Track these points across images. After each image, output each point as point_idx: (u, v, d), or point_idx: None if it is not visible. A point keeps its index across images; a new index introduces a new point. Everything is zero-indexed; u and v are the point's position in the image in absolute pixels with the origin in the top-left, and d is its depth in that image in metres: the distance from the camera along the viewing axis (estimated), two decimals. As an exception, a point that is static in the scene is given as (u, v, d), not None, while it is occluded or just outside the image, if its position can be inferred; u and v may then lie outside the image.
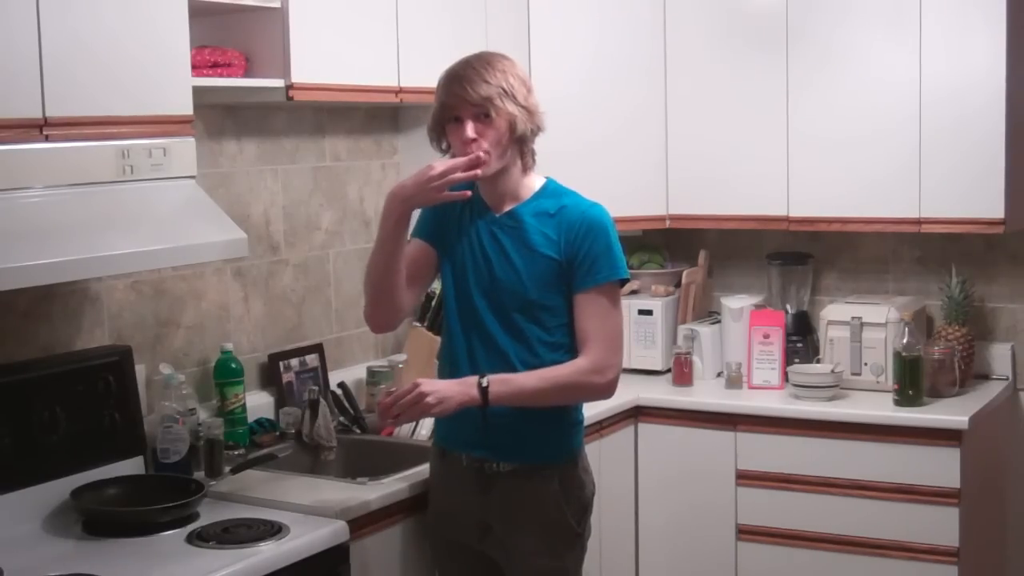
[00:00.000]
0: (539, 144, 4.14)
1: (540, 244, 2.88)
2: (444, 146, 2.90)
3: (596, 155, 4.28)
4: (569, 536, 2.94)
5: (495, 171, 2.85)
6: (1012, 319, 4.24)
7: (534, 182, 2.96)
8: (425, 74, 3.75)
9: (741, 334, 4.22)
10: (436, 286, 3.83)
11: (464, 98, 2.82)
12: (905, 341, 3.86)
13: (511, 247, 2.90)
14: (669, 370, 4.27)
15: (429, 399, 2.77)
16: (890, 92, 3.97)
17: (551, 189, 2.97)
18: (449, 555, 3.07)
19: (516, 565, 2.94)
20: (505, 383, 2.81)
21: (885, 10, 3.97)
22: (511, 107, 2.82)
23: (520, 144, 2.88)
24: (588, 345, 2.84)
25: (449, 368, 2.97)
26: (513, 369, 2.86)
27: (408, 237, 2.89)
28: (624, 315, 4.30)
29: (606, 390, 2.88)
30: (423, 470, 3.19)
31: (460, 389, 2.81)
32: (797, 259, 4.42)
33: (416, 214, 2.93)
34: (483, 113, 2.81)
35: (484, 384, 2.79)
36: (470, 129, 2.81)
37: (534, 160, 2.95)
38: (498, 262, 2.91)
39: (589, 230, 2.86)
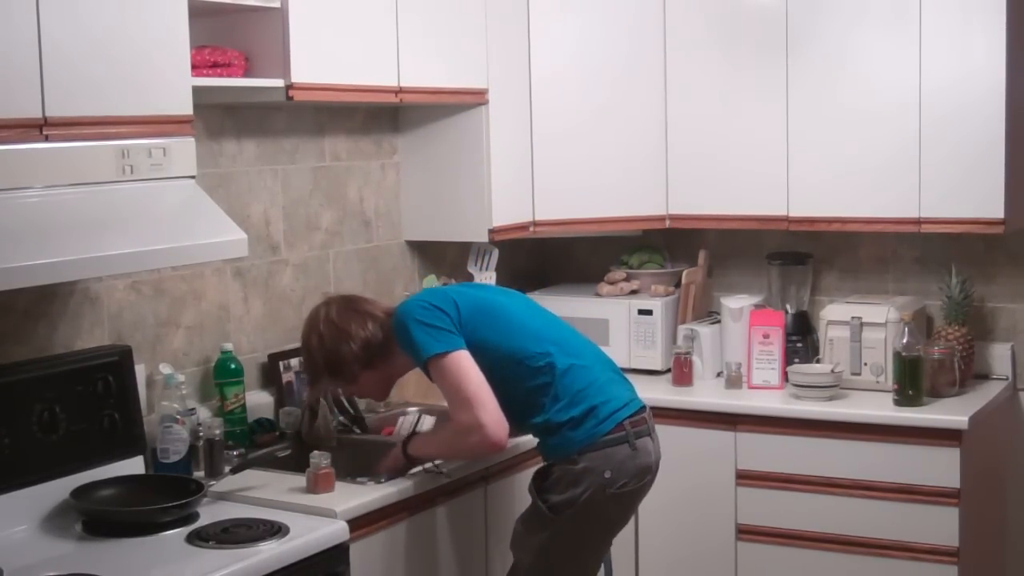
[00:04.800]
0: (542, 145, 4.20)
1: None
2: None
3: (596, 155, 4.29)
4: (540, 515, 3.14)
5: (389, 391, 3.37)
6: (1012, 319, 4.24)
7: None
8: (425, 74, 3.78)
9: (741, 334, 4.21)
10: (430, 280, 3.85)
11: None
12: (905, 341, 3.86)
13: None
14: (669, 370, 4.27)
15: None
16: (890, 92, 3.97)
17: None
18: None
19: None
20: (420, 437, 3.29)
21: (885, 10, 3.97)
22: (325, 386, 3.31)
23: (365, 357, 3.19)
24: (450, 412, 3.13)
25: None
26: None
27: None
28: (624, 315, 4.37)
29: (488, 446, 3.07)
30: (422, 470, 3.23)
31: (391, 457, 3.25)
32: (797, 259, 4.42)
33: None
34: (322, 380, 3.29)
35: (406, 438, 3.27)
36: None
37: (381, 338, 3.19)
38: None
39: (395, 335, 3.16)
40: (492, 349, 3.11)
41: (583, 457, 3.09)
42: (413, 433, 3.37)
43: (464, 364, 3.05)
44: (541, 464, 3.23)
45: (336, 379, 3.24)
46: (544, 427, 3.15)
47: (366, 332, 3.18)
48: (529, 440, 3.44)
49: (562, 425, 3.11)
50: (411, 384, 3.96)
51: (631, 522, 4.06)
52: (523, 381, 3.13)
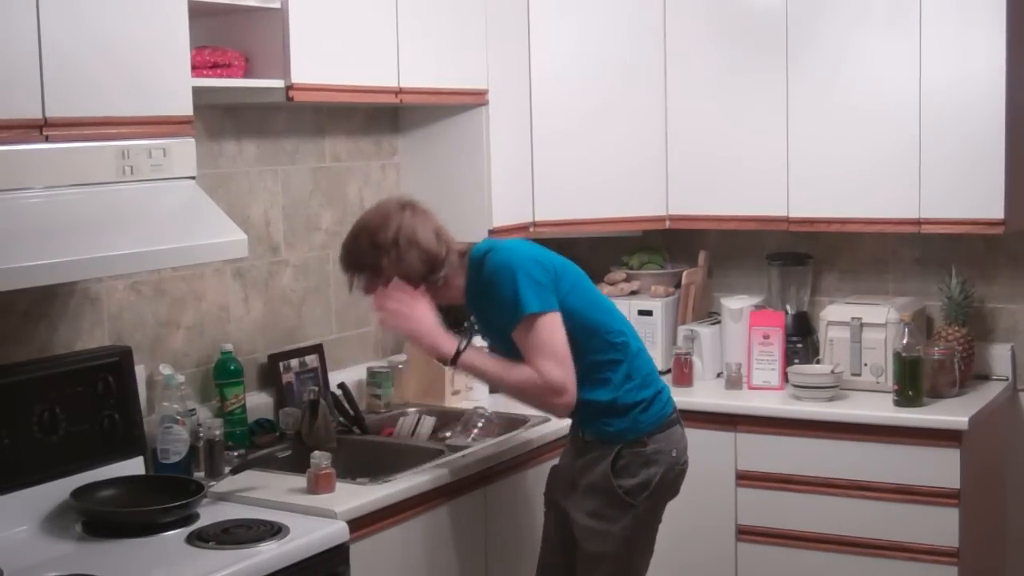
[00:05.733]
0: (542, 145, 4.20)
1: (487, 317, 3.18)
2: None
3: (596, 155, 4.28)
4: (618, 504, 3.13)
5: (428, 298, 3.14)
6: (1012, 319, 4.24)
7: (463, 266, 3.16)
8: (425, 74, 3.78)
9: (741, 334, 4.22)
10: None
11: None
12: (905, 342, 3.87)
13: (483, 322, 3.23)
14: (669, 370, 4.26)
15: (405, 321, 3.10)
16: (890, 92, 3.97)
17: (474, 260, 3.15)
18: (547, 509, 3.36)
19: (574, 521, 3.19)
20: (478, 356, 3.13)
21: (885, 11, 3.97)
22: (371, 266, 3.11)
23: (424, 272, 3.09)
24: (534, 365, 3.03)
25: None
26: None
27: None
28: (624, 315, 4.35)
29: (566, 409, 3.10)
30: (422, 470, 3.23)
31: (436, 340, 3.09)
32: (797, 259, 4.42)
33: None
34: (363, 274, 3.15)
35: (462, 347, 3.08)
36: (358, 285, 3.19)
37: (446, 259, 3.12)
38: (490, 337, 3.26)
39: (489, 283, 3.08)
40: (576, 316, 3.10)
41: (652, 439, 3.16)
42: (463, 346, 3.13)
43: (559, 324, 3.05)
44: (611, 454, 3.13)
45: (384, 278, 3.11)
46: (609, 406, 3.13)
47: (438, 252, 3.10)
48: (531, 439, 3.45)
49: (631, 406, 3.14)
50: (411, 384, 3.96)
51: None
52: (592, 353, 3.12)
